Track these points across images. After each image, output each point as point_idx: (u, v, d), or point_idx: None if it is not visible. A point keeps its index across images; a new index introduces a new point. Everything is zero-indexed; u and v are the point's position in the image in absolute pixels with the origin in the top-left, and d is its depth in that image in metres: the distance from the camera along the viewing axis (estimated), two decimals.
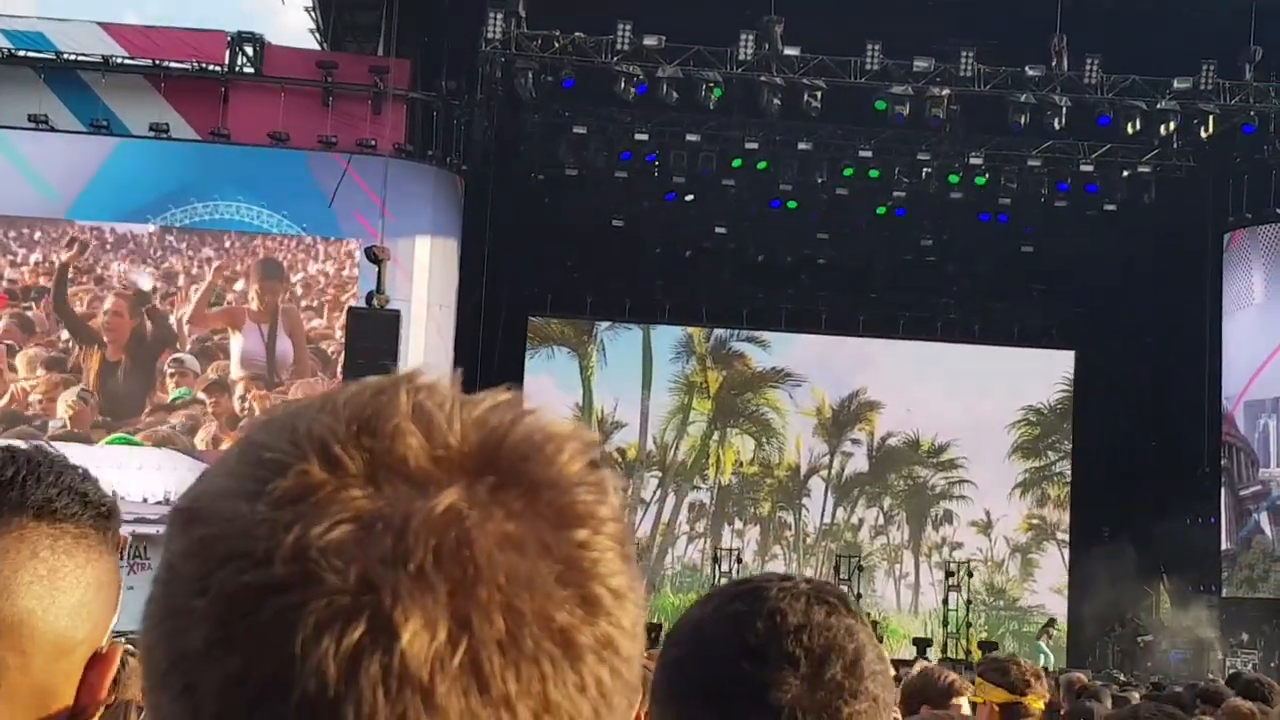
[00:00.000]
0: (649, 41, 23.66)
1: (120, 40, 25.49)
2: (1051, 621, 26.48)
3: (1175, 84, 24.22)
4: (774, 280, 30.35)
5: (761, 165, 26.91)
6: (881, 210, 28.41)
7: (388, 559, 0.69)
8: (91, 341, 25.01)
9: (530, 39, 23.72)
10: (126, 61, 25.33)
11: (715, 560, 29.26)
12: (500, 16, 23.15)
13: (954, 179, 26.99)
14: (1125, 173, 27.14)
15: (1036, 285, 30.46)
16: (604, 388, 32.47)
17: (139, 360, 25.02)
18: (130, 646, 1.81)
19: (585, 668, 0.72)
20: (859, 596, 27.27)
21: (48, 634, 1.24)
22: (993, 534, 32.53)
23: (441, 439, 0.73)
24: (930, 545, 32.50)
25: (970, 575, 28.36)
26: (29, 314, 25.10)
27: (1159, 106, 24.36)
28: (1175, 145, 26.31)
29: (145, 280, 25.16)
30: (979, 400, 31.40)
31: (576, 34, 23.74)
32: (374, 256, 21.48)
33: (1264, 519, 26.53)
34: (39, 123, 24.78)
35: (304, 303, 25.40)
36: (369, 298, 21.76)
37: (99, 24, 25.73)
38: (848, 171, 27.23)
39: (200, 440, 24.76)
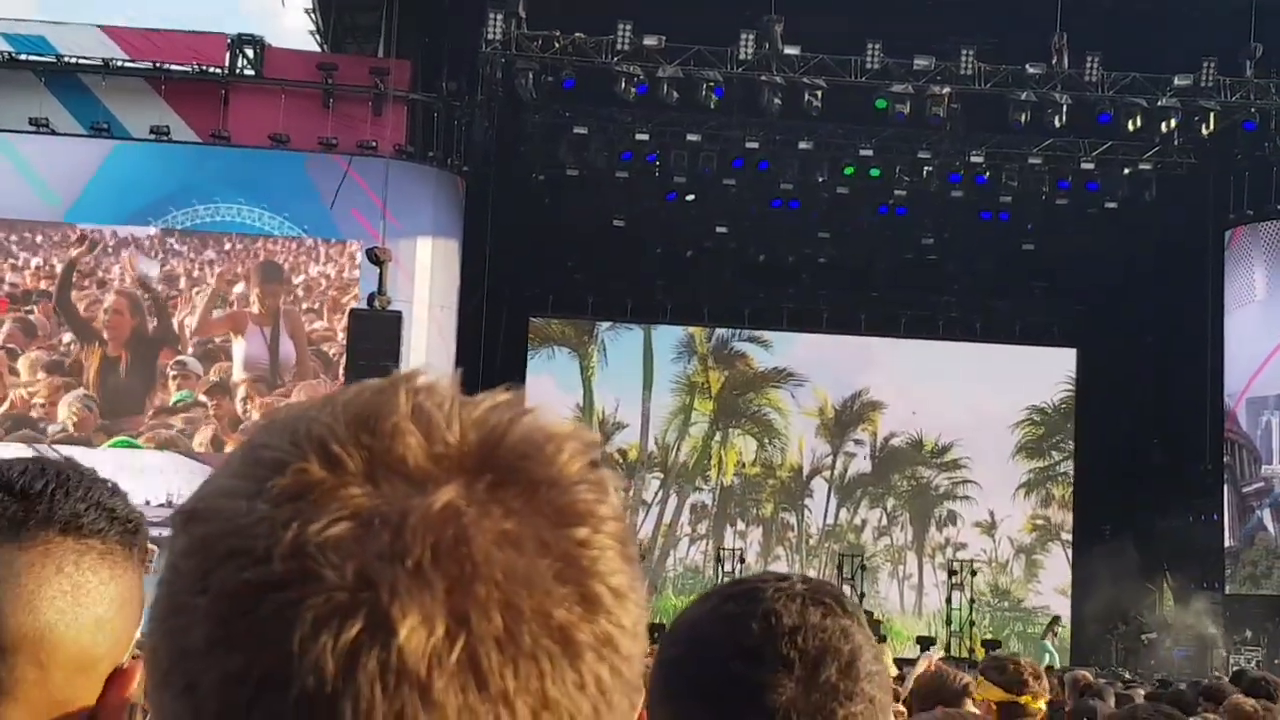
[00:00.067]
0: (649, 41, 23.67)
1: (121, 43, 25.50)
2: (1056, 620, 26.44)
3: (1176, 81, 24.21)
4: (775, 280, 30.36)
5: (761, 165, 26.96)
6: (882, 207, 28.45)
7: (385, 555, 0.69)
8: (92, 339, 25.02)
9: (530, 39, 23.73)
10: (127, 64, 25.35)
11: (718, 561, 29.26)
12: (500, 17, 23.16)
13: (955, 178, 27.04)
14: (1126, 170, 27.15)
15: (1038, 283, 30.46)
16: (605, 388, 32.46)
17: (139, 357, 25.03)
18: (136, 650, 1.82)
19: (584, 665, 0.72)
20: (862, 596, 27.28)
21: (69, 649, 1.24)
22: (997, 535, 32.46)
23: (440, 438, 0.73)
24: (934, 546, 32.43)
25: (973, 574, 28.35)
26: (31, 318, 25.12)
27: (1160, 104, 24.36)
28: (1176, 143, 26.31)
29: (153, 268, 25.14)
30: (982, 400, 31.36)
31: (577, 34, 23.75)
32: (375, 258, 21.49)
33: (1267, 516, 26.52)
34: (40, 126, 24.80)
35: (305, 305, 25.41)
36: (370, 299, 21.77)
37: (99, 27, 25.75)
38: (848, 170, 27.24)
39: (202, 443, 24.77)
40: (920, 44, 24.23)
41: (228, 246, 25.37)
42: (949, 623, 28.04)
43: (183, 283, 25.34)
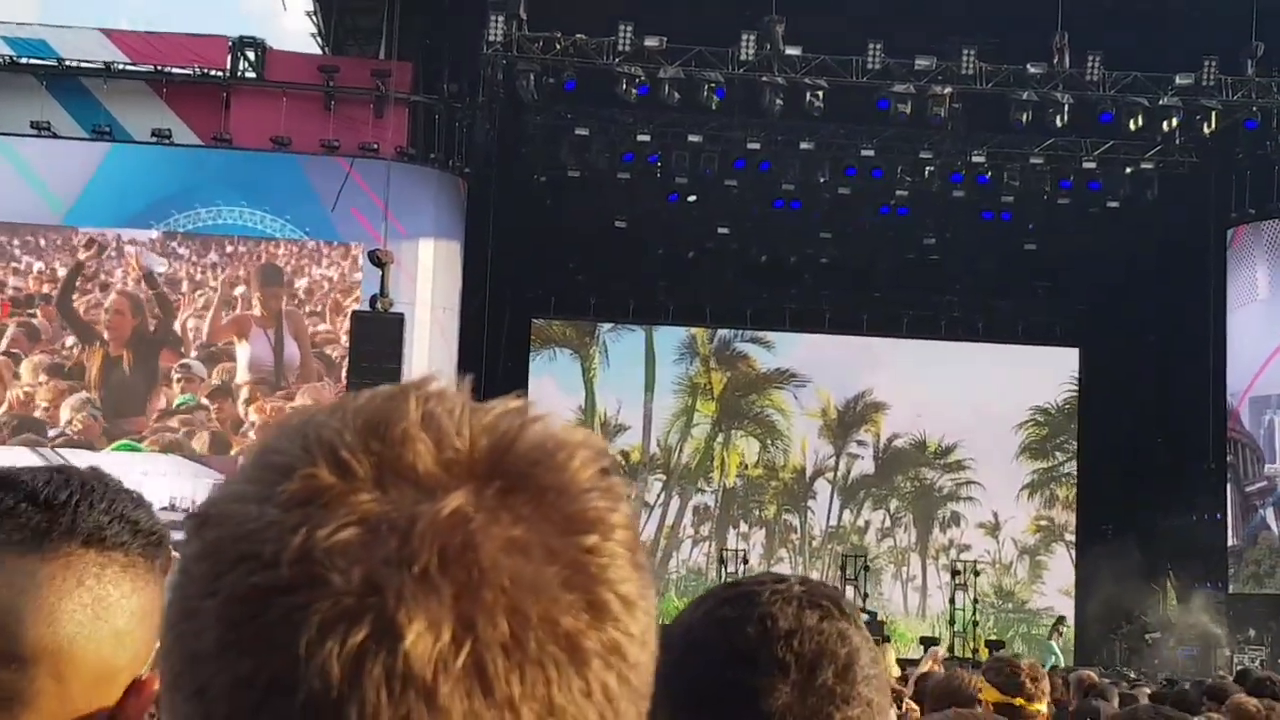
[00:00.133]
0: (650, 42, 23.67)
1: (122, 46, 25.51)
2: (1061, 620, 26.45)
3: (1177, 80, 24.20)
4: (777, 280, 30.36)
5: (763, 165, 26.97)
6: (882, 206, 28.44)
7: (392, 561, 0.69)
8: (93, 339, 25.04)
9: (531, 41, 23.73)
10: (128, 67, 25.36)
11: (721, 562, 29.27)
12: (501, 19, 23.16)
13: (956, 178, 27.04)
14: (1128, 170, 27.14)
15: (1040, 283, 30.47)
16: (606, 390, 32.44)
17: (141, 357, 25.04)
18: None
19: (591, 673, 0.72)
20: (866, 596, 27.27)
21: (88, 661, 1.25)
22: (1001, 536, 32.41)
23: (450, 444, 0.74)
24: (938, 548, 32.37)
25: (976, 574, 28.33)
26: (34, 321, 25.13)
27: (1161, 103, 24.35)
28: (1178, 142, 26.29)
29: (159, 264, 25.15)
30: (985, 401, 31.31)
31: (578, 36, 23.75)
32: (377, 260, 21.49)
33: (1270, 515, 26.49)
34: (41, 129, 24.81)
35: (308, 307, 25.41)
36: (373, 301, 21.78)
37: (101, 30, 25.77)
38: (850, 170, 27.24)
39: (204, 446, 24.78)
40: (921, 44, 24.23)
41: (229, 249, 25.38)
42: (952, 623, 28.02)
43: (185, 286, 25.35)
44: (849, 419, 32.65)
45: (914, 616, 31.64)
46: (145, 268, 25.06)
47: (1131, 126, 24.69)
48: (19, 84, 25.06)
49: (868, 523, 32.60)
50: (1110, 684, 10.74)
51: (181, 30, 26.26)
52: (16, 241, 25.17)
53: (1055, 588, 31.89)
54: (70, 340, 25.14)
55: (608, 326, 32.15)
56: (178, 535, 0.82)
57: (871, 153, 26.68)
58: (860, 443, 32.66)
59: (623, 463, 31.03)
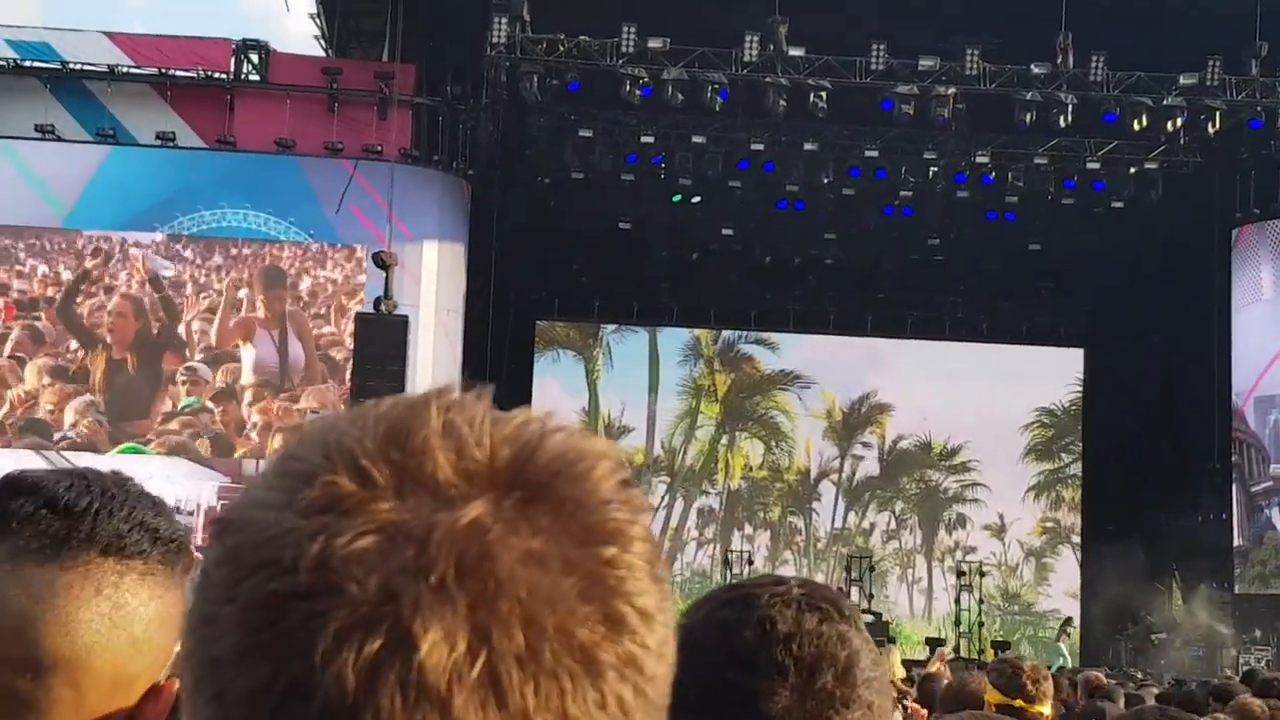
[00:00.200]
0: (654, 44, 23.67)
1: (126, 49, 25.54)
2: (1069, 621, 26.46)
3: (1181, 80, 24.19)
4: (781, 281, 30.36)
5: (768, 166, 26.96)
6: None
7: (409, 570, 0.70)
8: (95, 344, 25.06)
9: (535, 43, 23.74)
10: (132, 70, 25.39)
11: (726, 563, 29.26)
12: (505, 21, 23.17)
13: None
14: (1132, 170, 27.12)
15: (1044, 283, 30.46)
16: (610, 391, 32.43)
17: (145, 360, 25.06)
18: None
19: (606, 685, 0.72)
20: (871, 597, 27.25)
21: (105, 670, 1.25)
22: (1006, 538, 32.36)
23: (470, 454, 0.74)
24: (943, 550, 32.33)
25: (982, 575, 28.30)
26: (38, 325, 25.16)
27: (1165, 103, 24.34)
28: (1182, 141, 26.26)
29: (165, 269, 25.18)
30: (991, 402, 31.28)
31: (581, 37, 23.75)
32: (381, 262, 21.50)
33: (1275, 515, 26.46)
34: (45, 132, 24.83)
35: (312, 310, 25.43)
36: (377, 303, 21.79)
37: (105, 33, 25.79)
38: (854, 171, 27.23)
39: (209, 449, 24.79)
40: (925, 44, 24.21)
41: (234, 252, 25.40)
42: (958, 624, 28.00)
43: (189, 288, 25.36)
44: (854, 421, 32.63)
45: (919, 619, 31.61)
46: (152, 272, 25.08)
47: (1136, 126, 24.68)
48: (22, 87, 25.09)
49: (873, 525, 32.57)
50: (1116, 685, 10.73)
51: (185, 33, 26.29)
52: (21, 245, 25.20)
53: (1061, 590, 31.81)
54: (74, 344, 25.17)
55: (611, 328, 32.15)
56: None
57: (875, 153, 26.68)
58: (865, 444, 32.65)
59: (626, 464, 30.99)
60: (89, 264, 25.03)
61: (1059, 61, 23.90)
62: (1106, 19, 23.96)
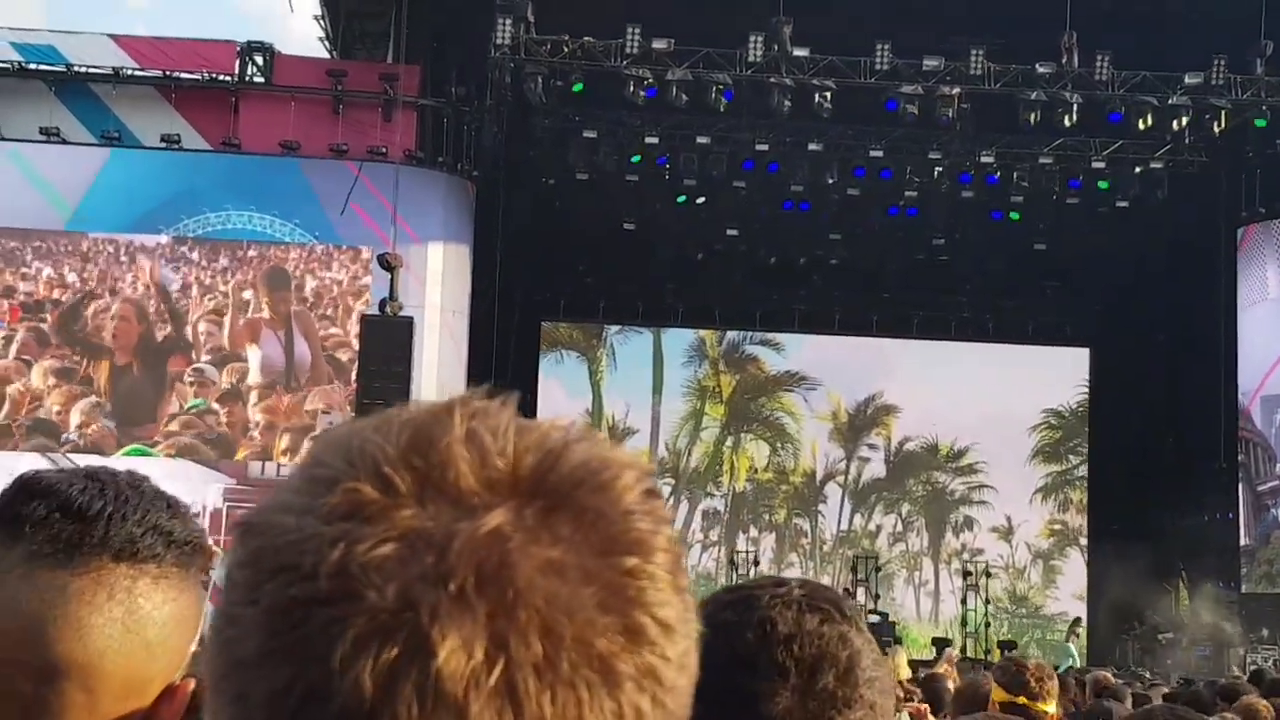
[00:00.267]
0: (658, 45, 23.68)
1: (130, 52, 25.56)
2: (1077, 621, 26.43)
3: (1186, 79, 24.16)
4: (786, 282, 30.35)
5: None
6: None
7: (429, 578, 0.70)
8: (100, 354, 25.08)
9: (539, 44, 23.74)
10: (137, 73, 25.41)
11: (731, 564, 29.24)
12: (509, 22, 23.17)
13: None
14: (1137, 169, 27.09)
15: (1049, 283, 30.44)
16: (614, 393, 32.38)
17: (149, 363, 25.09)
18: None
19: (624, 695, 0.71)
20: (877, 597, 27.23)
21: (118, 674, 1.25)
22: (1014, 540, 32.26)
23: (492, 462, 0.74)
24: (950, 552, 32.23)
25: (988, 575, 28.26)
26: (43, 327, 25.19)
27: (1170, 102, 24.32)
28: (1187, 141, 26.23)
29: (174, 280, 25.21)
30: (998, 403, 31.21)
31: (585, 38, 23.76)
32: (386, 263, 21.50)
33: None
34: (50, 135, 24.86)
35: (318, 311, 25.45)
36: (382, 305, 21.79)
37: (109, 36, 25.80)
38: (859, 171, 27.23)
39: (215, 450, 24.80)
40: (929, 44, 24.21)
41: (240, 254, 25.42)
42: (964, 624, 27.97)
43: (195, 291, 25.39)
44: (860, 422, 32.57)
45: (926, 621, 31.53)
46: (160, 284, 25.12)
47: (1141, 126, 24.65)
48: (28, 90, 25.11)
49: (879, 527, 32.48)
50: (1124, 685, 10.71)
51: (188, 35, 26.29)
52: (27, 247, 25.23)
53: (1069, 592, 31.68)
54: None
55: (615, 329, 32.12)
56: None
57: (880, 153, 26.67)
58: (871, 446, 32.57)
59: None
60: (92, 283, 25.05)
61: (1064, 61, 23.88)
62: (1111, 19, 23.95)
